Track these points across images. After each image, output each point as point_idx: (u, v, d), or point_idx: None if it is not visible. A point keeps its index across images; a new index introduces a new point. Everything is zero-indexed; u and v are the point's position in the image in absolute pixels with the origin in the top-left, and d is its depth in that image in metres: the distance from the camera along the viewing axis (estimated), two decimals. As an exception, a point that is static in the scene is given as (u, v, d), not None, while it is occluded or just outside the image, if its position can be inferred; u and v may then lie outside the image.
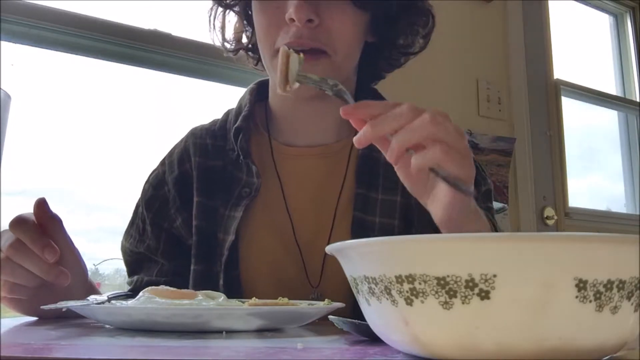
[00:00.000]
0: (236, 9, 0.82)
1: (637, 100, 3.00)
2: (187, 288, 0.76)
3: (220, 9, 0.83)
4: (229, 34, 0.85)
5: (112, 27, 1.65)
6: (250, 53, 0.85)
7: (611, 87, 3.03)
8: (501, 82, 2.46)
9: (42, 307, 0.53)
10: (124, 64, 1.70)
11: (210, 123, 0.87)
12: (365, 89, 0.85)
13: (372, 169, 0.78)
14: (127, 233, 0.85)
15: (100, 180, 1.59)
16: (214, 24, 0.84)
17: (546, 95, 2.60)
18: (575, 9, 2.97)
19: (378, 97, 0.85)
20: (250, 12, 0.78)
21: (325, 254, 0.72)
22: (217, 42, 0.86)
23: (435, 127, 0.49)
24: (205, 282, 0.75)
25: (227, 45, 0.85)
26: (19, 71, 1.52)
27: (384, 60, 0.83)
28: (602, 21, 3.12)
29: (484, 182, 0.81)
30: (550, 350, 0.31)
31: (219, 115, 0.91)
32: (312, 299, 0.73)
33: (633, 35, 3.07)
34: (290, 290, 0.74)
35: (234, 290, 0.73)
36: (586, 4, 3.00)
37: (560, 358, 0.31)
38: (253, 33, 0.80)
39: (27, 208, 0.67)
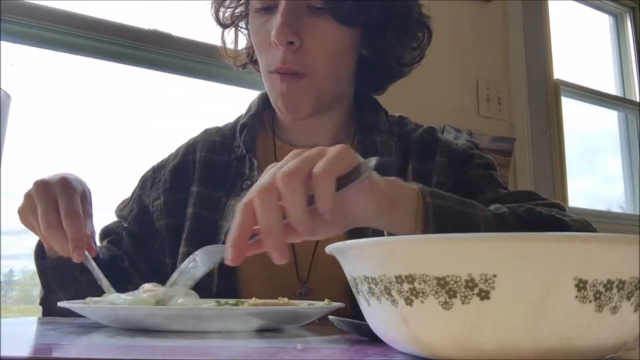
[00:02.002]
0: (242, 27, 0.86)
1: (637, 100, 3.00)
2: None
3: (229, 29, 0.88)
4: (239, 50, 0.89)
5: (112, 27, 1.65)
6: (256, 66, 0.87)
7: (611, 87, 3.03)
8: (501, 82, 2.46)
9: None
10: (124, 64, 1.70)
11: (223, 125, 0.92)
12: (364, 99, 0.87)
13: None
14: (123, 201, 0.92)
15: (100, 180, 1.59)
16: (224, 42, 0.89)
17: (546, 95, 2.60)
18: (575, 9, 2.97)
19: (377, 107, 0.87)
20: None
21: (314, 250, 0.77)
22: (229, 60, 0.90)
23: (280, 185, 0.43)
24: None
25: (237, 61, 0.90)
26: (19, 71, 1.52)
27: (381, 71, 0.84)
28: (602, 21, 3.12)
29: (479, 157, 0.82)
30: (550, 350, 0.31)
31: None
32: (301, 294, 0.76)
33: (633, 35, 3.07)
34: (281, 282, 0.77)
35: (228, 276, 0.75)
36: (586, 4, 3.00)
37: (560, 358, 0.31)
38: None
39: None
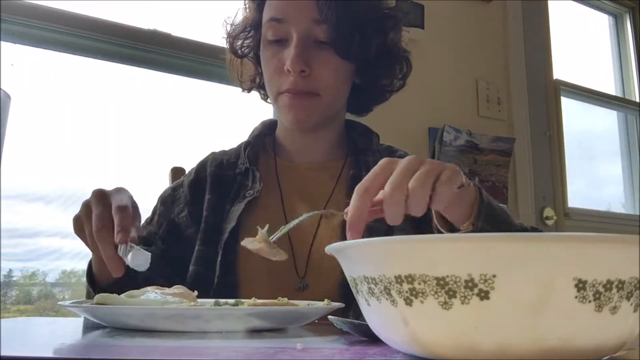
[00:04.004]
0: (250, 56, 0.98)
1: (637, 100, 3.00)
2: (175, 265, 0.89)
3: (235, 58, 1.00)
4: (245, 76, 1.02)
5: (112, 27, 1.65)
6: (261, 90, 1.02)
7: (611, 87, 3.03)
8: (501, 82, 2.46)
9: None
10: (124, 64, 1.70)
11: (228, 149, 1.03)
12: (355, 125, 1.01)
13: None
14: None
15: (100, 180, 1.59)
16: (233, 67, 1.01)
17: (546, 95, 2.60)
18: (575, 9, 2.97)
19: (369, 132, 1.01)
20: (259, 59, 0.94)
21: (310, 249, 0.86)
22: (236, 82, 1.03)
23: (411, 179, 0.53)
24: (204, 261, 0.87)
25: (244, 85, 1.03)
26: (19, 71, 1.52)
27: (369, 97, 0.99)
28: (602, 21, 3.12)
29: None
30: (550, 350, 0.31)
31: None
32: (299, 289, 0.84)
33: (632, 35, 3.07)
34: (280, 278, 0.85)
35: (229, 271, 0.84)
36: (586, 4, 3.00)
37: (560, 358, 0.31)
38: (262, 75, 0.96)
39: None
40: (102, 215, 0.67)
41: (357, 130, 1.00)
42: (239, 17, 0.97)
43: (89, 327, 0.57)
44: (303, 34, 0.85)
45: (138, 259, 0.63)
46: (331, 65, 0.87)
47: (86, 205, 0.70)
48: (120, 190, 0.71)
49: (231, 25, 0.97)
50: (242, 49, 0.98)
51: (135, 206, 0.71)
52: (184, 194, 0.96)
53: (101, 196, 0.69)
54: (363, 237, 0.55)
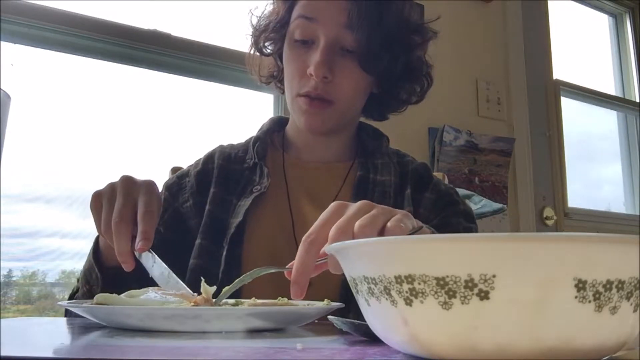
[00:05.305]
0: (273, 52, 0.98)
1: (637, 100, 3.01)
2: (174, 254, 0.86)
3: (256, 51, 0.99)
4: (264, 69, 1.02)
5: (112, 27, 1.65)
6: (279, 84, 1.02)
7: (610, 87, 3.03)
8: (501, 82, 2.46)
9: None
10: (124, 64, 1.70)
11: (236, 143, 1.03)
12: (366, 127, 1.02)
13: (366, 187, 0.93)
14: None
15: (99, 179, 1.59)
16: (252, 60, 1.01)
17: (545, 95, 2.60)
18: (575, 9, 2.97)
19: (379, 134, 1.01)
20: (282, 55, 0.94)
21: None
22: (254, 75, 1.03)
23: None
24: (207, 255, 0.87)
25: (262, 79, 1.03)
26: (19, 71, 1.52)
27: (386, 107, 1.00)
28: (602, 21, 3.12)
29: (463, 204, 0.95)
30: (549, 350, 0.31)
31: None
32: None
33: (632, 35, 3.08)
34: (284, 276, 0.83)
35: (234, 266, 0.84)
36: (585, 4, 3.00)
37: (559, 358, 0.31)
38: (282, 71, 0.96)
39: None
40: (123, 208, 0.66)
41: (367, 132, 1.01)
42: (267, 11, 0.96)
43: (89, 327, 0.57)
44: (331, 39, 0.85)
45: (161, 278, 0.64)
46: (353, 75, 0.87)
47: (112, 188, 0.69)
48: (149, 189, 0.69)
49: (257, 17, 0.96)
50: (266, 44, 0.97)
51: (160, 205, 0.71)
52: (190, 183, 0.95)
53: (130, 187, 0.68)
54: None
